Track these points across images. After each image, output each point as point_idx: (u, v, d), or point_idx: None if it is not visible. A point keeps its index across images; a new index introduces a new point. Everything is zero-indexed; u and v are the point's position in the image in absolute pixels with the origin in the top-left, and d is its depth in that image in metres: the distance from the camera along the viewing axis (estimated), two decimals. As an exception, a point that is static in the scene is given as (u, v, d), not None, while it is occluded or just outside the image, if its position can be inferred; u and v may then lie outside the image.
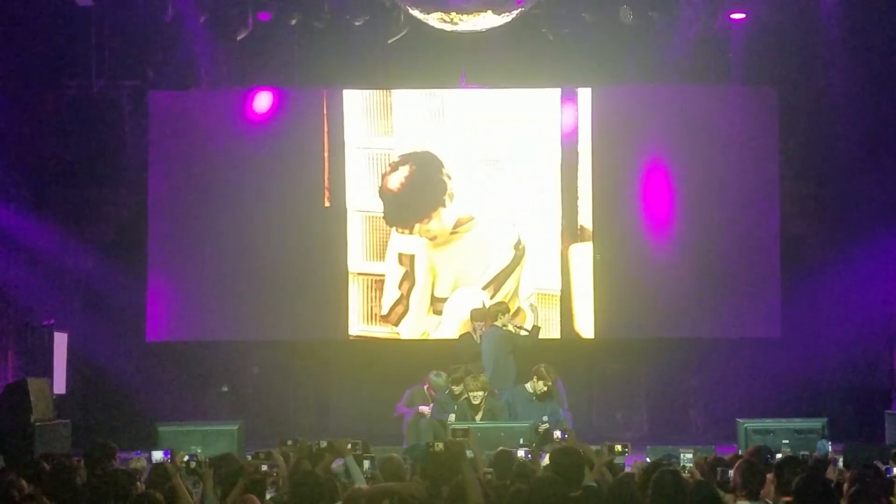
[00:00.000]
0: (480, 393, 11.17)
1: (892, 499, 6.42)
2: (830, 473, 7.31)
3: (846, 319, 13.86)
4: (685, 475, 6.77)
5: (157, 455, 7.65)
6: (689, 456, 7.18)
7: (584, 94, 14.28)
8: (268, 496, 6.98)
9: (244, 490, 6.46)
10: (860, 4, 13.64)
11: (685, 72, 14.10)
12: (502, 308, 12.49)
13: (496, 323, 12.21)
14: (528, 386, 11.48)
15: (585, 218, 14.20)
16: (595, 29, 13.67)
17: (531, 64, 14.04)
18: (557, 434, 8.39)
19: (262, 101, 14.28)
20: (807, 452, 8.47)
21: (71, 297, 14.23)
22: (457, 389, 11.51)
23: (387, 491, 6.44)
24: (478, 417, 11.15)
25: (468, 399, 11.24)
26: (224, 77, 14.30)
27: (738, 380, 13.95)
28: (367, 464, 7.54)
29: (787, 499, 6.25)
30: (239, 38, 13.71)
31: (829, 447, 8.66)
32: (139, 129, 14.37)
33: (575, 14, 13.59)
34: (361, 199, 14.27)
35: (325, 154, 14.31)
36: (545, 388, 11.37)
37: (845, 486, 6.36)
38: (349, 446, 7.47)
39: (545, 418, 10.88)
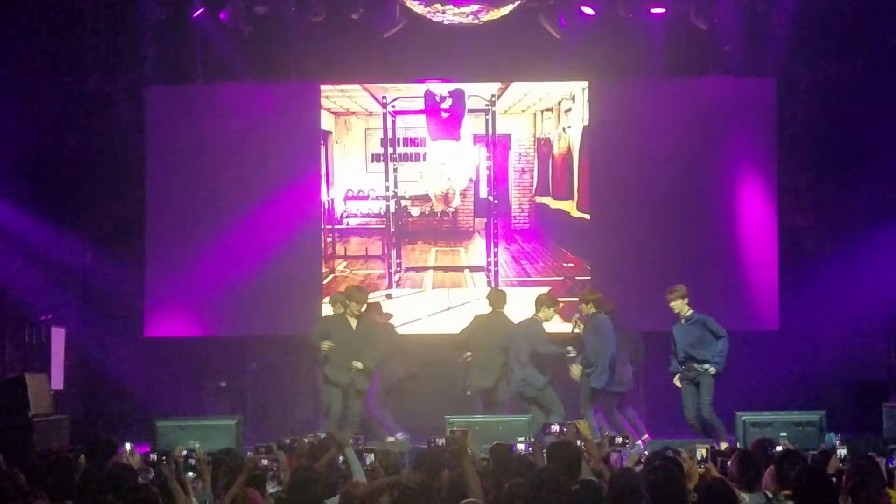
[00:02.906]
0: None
1: (889, 490, 6.41)
2: (833, 464, 7.31)
3: (844, 312, 13.85)
4: (700, 471, 6.77)
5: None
6: (704, 451, 7.18)
7: (581, 88, 14.29)
8: (271, 489, 6.97)
9: (245, 484, 6.45)
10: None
11: (682, 64, 14.08)
12: (548, 301, 12.02)
13: (538, 315, 11.85)
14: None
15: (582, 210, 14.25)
16: (592, 23, 13.65)
17: (528, 57, 14.03)
18: (555, 427, 8.38)
19: None
20: (813, 451, 8.48)
21: (68, 293, 14.20)
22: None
23: (384, 486, 6.43)
24: None
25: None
26: (220, 71, 14.28)
27: (737, 373, 13.84)
28: (370, 457, 7.52)
29: (787, 492, 6.25)
30: (242, 32, 13.71)
31: (837, 440, 8.67)
32: (136, 124, 14.35)
33: (573, 8, 13.58)
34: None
35: (323, 149, 14.34)
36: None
37: (844, 477, 6.36)
38: (350, 440, 7.48)
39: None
